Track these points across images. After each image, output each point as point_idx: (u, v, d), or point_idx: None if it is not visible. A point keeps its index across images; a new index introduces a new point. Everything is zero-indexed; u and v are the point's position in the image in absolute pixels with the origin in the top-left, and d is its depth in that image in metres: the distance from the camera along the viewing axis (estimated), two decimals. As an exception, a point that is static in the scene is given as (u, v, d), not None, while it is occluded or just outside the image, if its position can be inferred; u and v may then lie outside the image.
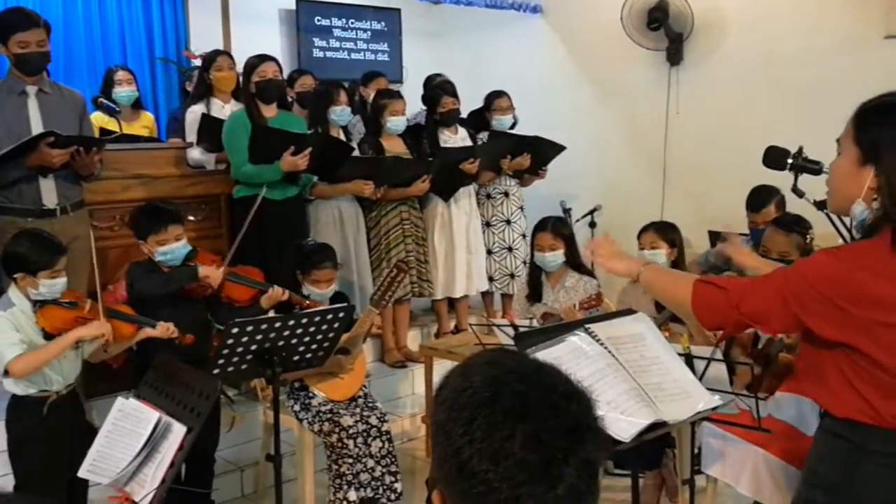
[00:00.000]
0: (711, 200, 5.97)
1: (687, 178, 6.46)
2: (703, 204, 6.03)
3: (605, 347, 2.39)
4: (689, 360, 2.83)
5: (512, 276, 5.80)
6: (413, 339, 5.69)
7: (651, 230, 4.14)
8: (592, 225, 6.87)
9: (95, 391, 4.03)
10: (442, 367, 5.11)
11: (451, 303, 5.84)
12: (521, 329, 3.67)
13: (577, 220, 6.84)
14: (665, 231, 4.14)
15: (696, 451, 3.28)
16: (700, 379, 2.88)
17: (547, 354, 2.28)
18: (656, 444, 3.61)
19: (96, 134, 5.13)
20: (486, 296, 6.02)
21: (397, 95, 5.34)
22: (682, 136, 6.51)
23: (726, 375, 2.84)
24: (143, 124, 5.77)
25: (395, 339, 5.47)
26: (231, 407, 4.43)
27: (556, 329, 2.49)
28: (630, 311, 2.63)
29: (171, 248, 3.57)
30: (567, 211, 6.90)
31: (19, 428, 3.13)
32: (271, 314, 3.69)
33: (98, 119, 5.23)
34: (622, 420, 2.14)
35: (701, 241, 5.56)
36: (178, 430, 2.55)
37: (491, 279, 5.86)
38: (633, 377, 2.33)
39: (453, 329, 5.72)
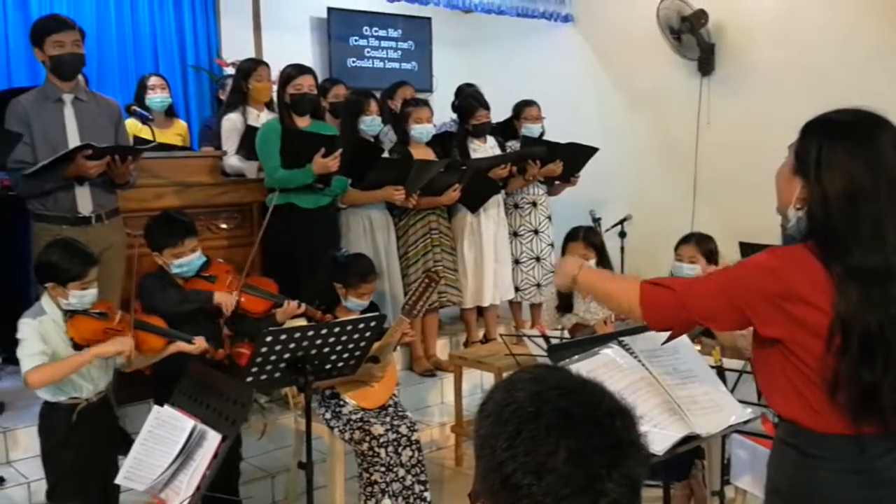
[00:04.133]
0: (742, 211, 5.92)
1: (718, 188, 6.43)
2: (733, 215, 5.99)
3: (639, 360, 2.39)
4: (720, 373, 2.83)
5: (538, 285, 5.79)
6: (442, 348, 5.70)
7: (691, 242, 4.07)
8: (622, 235, 6.85)
9: (128, 397, 4.09)
10: (471, 377, 5.13)
11: (480, 311, 5.84)
12: (553, 340, 3.67)
13: (607, 230, 6.81)
14: (703, 243, 4.09)
15: (725, 462, 3.27)
16: (731, 392, 2.88)
17: (581, 367, 2.29)
18: (686, 455, 3.59)
19: (131, 141, 5.22)
20: (515, 305, 6.02)
21: (422, 103, 5.36)
22: (713, 146, 6.48)
23: (755, 388, 2.82)
24: (177, 132, 5.82)
25: (424, 347, 5.48)
26: (262, 414, 4.47)
27: (589, 341, 2.50)
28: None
29: (188, 261, 3.59)
30: (597, 220, 6.86)
31: (50, 434, 3.15)
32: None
33: (132, 126, 5.28)
34: (656, 433, 2.14)
35: (732, 252, 5.51)
36: (212, 438, 2.57)
37: (517, 289, 5.86)
38: (666, 390, 2.33)
39: (482, 338, 5.72)
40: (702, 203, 6.55)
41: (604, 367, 2.31)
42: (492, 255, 5.62)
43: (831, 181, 1.86)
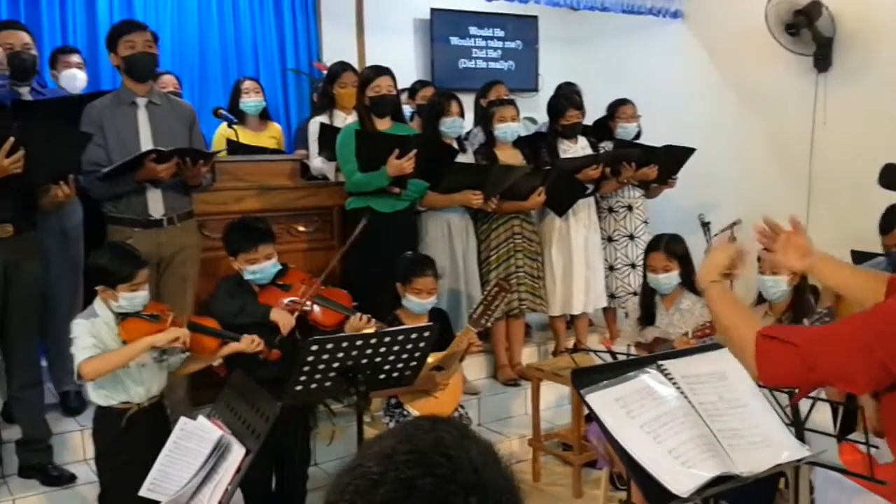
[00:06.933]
0: (860, 217, 5.45)
1: (834, 192, 5.98)
2: (850, 220, 5.54)
3: (678, 387, 2.16)
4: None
5: (635, 293, 5.52)
6: (529, 357, 5.52)
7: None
8: (732, 240, 6.46)
9: (203, 399, 4.11)
10: (555, 388, 4.93)
11: (572, 319, 5.63)
12: (619, 356, 3.45)
13: (716, 235, 6.47)
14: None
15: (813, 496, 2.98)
16: (805, 421, 2.61)
17: (610, 393, 2.10)
18: (768, 483, 3.30)
19: (222, 145, 5.29)
20: (609, 313, 5.76)
21: (507, 102, 5.19)
22: (830, 147, 6.02)
23: (830, 418, 2.53)
24: (271, 135, 5.86)
25: (509, 355, 5.31)
26: (331, 420, 4.43)
27: (626, 364, 2.29)
28: (716, 346, 2.37)
29: (261, 268, 3.55)
30: (706, 225, 6.53)
31: (102, 438, 3.18)
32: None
33: (225, 131, 5.36)
34: (681, 473, 1.92)
35: (845, 259, 5.11)
36: (237, 452, 2.51)
37: (613, 296, 5.61)
38: (705, 421, 2.09)
39: (572, 347, 5.50)
40: (817, 207, 6.10)
41: (635, 395, 2.09)
42: (582, 261, 5.40)
43: None
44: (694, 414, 2.10)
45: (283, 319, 3.51)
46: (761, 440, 2.11)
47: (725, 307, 2.02)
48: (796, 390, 2.42)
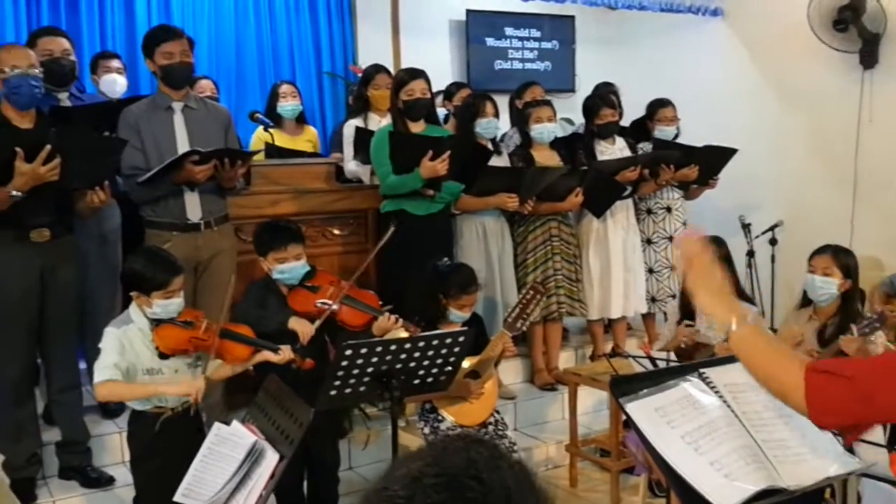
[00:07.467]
0: (907, 217, 5.36)
1: (880, 192, 5.84)
2: (896, 220, 5.43)
3: (721, 396, 2.10)
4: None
5: (674, 296, 5.43)
6: (567, 361, 5.45)
7: (828, 253, 3.72)
8: (773, 242, 6.36)
9: (239, 403, 4.11)
10: (593, 393, 4.86)
11: (610, 323, 5.55)
12: (659, 362, 3.39)
13: (757, 237, 6.37)
14: (840, 256, 3.71)
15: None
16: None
17: (650, 403, 2.04)
18: (814, 493, 3.21)
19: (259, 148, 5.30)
20: (648, 317, 5.68)
21: (543, 103, 5.13)
22: (876, 145, 5.88)
23: (879, 427, 2.45)
24: (307, 138, 5.85)
25: (546, 359, 5.25)
26: (366, 424, 4.41)
27: (667, 372, 2.23)
28: (760, 353, 2.30)
29: (290, 267, 3.54)
30: (746, 226, 6.43)
31: (136, 442, 3.18)
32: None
33: (262, 135, 5.37)
34: (724, 485, 1.85)
35: (893, 263, 4.99)
36: (270, 458, 2.49)
37: (654, 299, 5.53)
38: (749, 432, 2.03)
39: (610, 352, 5.42)
40: (862, 208, 5.97)
41: (676, 404, 2.04)
42: (620, 263, 5.32)
43: None
44: (737, 424, 2.03)
45: (303, 328, 3.48)
46: (809, 451, 2.04)
47: (756, 347, 1.78)
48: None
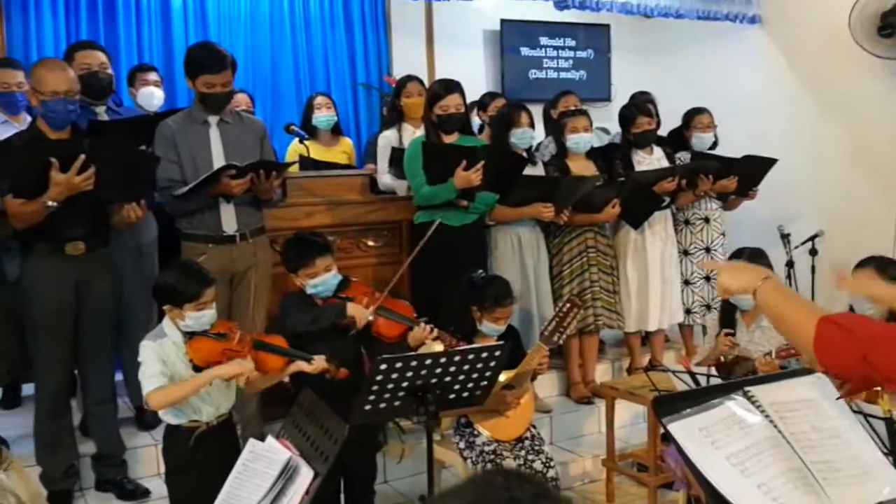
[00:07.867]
0: (953, 228, 5.23)
1: (924, 201, 5.71)
2: (942, 233, 5.30)
3: (767, 416, 2.03)
4: (890, 427, 2.40)
5: (708, 307, 5.35)
6: (603, 374, 5.39)
7: (871, 266, 3.59)
8: (813, 253, 6.25)
9: (274, 414, 4.10)
10: (630, 406, 4.78)
11: (647, 335, 5.48)
12: (699, 376, 3.32)
13: (796, 248, 6.27)
14: (888, 269, 3.59)
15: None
16: (902, 451, 2.44)
17: (694, 422, 1.97)
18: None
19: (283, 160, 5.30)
20: (686, 329, 5.59)
21: (579, 113, 5.09)
22: (919, 154, 5.76)
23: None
24: (342, 150, 5.85)
25: (583, 372, 5.19)
26: (401, 438, 4.38)
27: (710, 390, 2.16)
28: (808, 371, 2.23)
29: (322, 281, 3.53)
30: (785, 237, 6.34)
31: (172, 456, 3.17)
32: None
33: (297, 147, 5.37)
34: (772, 510, 1.79)
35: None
36: (305, 475, 2.46)
37: (689, 311, 5.45)
38: (797, 453, 1.95)
39: (647, 365, 5.35)
40: (906, 218, 5.84)
41: (720, 423, 1.97)
42: (658, 275, 5.25)
43: None
44: (785, 445, 1.96)
45: (359, 313, 3.51)
46: (860, 473, 1.96)
47: (783, 299, 1.92)
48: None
